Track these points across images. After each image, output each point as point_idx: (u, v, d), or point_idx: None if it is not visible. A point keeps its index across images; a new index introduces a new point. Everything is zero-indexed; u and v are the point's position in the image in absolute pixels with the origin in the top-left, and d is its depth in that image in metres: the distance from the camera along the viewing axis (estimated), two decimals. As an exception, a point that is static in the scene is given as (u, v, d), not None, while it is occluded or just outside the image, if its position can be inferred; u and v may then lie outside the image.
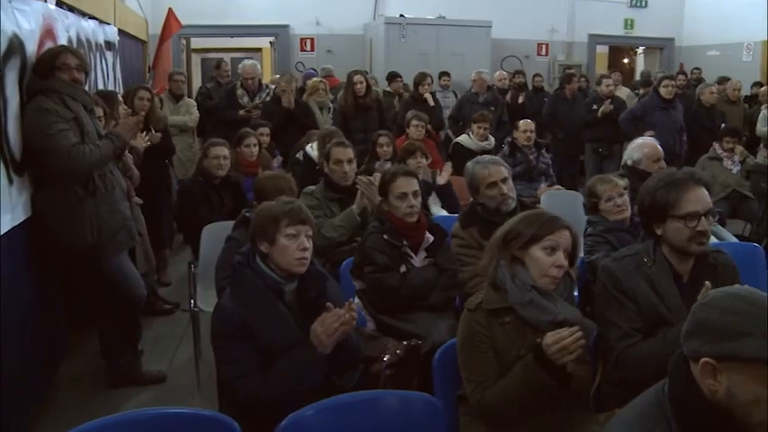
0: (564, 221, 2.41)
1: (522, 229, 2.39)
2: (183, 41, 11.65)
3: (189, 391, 4.04)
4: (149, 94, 5.60)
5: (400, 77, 8.81)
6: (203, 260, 4.22)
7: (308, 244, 2.54)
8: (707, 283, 2.24)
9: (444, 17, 11.10)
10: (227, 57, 11.54)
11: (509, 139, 6.33)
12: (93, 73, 5.23)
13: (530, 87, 10.04)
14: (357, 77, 6.86)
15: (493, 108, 7.99)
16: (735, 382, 1.47)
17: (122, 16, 7.45)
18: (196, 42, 13.17)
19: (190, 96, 7.71)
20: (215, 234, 4.14)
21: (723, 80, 9.58)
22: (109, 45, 6.32)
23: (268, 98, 7.32)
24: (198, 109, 7.39)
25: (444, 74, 9.52)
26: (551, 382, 2.19)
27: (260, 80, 7.62)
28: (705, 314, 1.52)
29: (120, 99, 5.09)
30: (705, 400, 1.51)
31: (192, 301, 4.12)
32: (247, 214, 3.60)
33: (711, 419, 1.50)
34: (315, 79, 8.06)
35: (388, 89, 8.82)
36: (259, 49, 14.66)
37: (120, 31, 7.16)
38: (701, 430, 1.52)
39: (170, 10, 8.96)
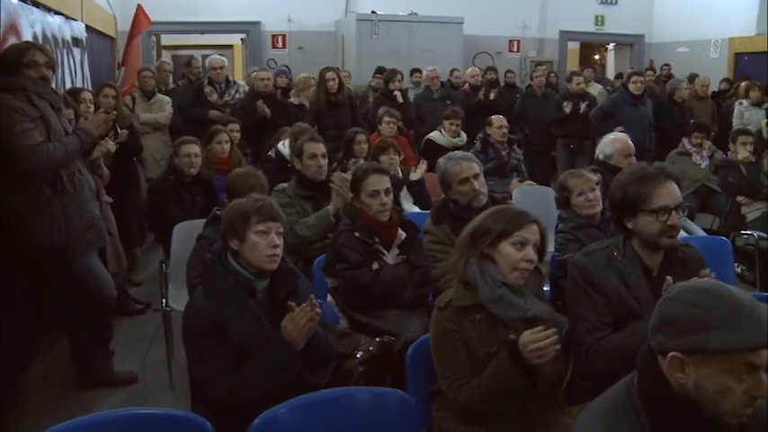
0: (531, 216, 2.42)
1: (491, 225, 2.40)
2: (154, 38, 11.54)
3: (161, 392, 4.00)
4: (114, 92, 5.54)
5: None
6: (175, 259, 4.19)
7: (279, 241, 2.53)
8: (668, 278, 2.27)
9: (416, 13, 11.11)
10: (198, 54, 11.46)
11: (481, 135, 6.35)
12: (60, 70, 5.16)
13: (502, 84, 10.08)
14: (329, 74, 6.83)
15: (449, 102, 8.01)
16: (702, 374, 1.49)
17: (90, 12, 7.36)
18: (166, 39, 13.05)
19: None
20: (186, 232, 4.11)
21: (693, 77, 9.70)
22: (76, 41, 6.24)
23: (237, 95, 7.30)
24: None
25: (416, 70, 9.53)
26: (525, 378, 2.21)
27: (228, 76, 7.57)
28: (671, 309, 1.54)
29: (88, 97, 5.02)
30: (673, 392, 1.53)
31: (164, 301, 4.08)
32: (218, 212, 3.57)
33: (680, 411, 1.52)
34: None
35: (372, 83, 8.82)
36: (230, 46, 14.57)
37: (88, 28, 7.07)
38: (669, 422, 1.53)
39: (139, 6, 8.87)
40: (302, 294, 2.55)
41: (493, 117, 6.41)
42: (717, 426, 1.52)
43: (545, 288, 2.79)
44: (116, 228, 4.86)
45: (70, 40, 5.91)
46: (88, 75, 6.72)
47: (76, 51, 6.19)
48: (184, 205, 4.66)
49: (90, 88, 6.00)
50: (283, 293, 2.54)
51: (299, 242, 3.84)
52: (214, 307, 2.40)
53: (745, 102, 8.57)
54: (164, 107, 7.04)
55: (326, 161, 4.23)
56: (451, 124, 6.53)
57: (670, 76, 10.76)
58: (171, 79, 8.16)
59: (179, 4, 10.64)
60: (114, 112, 4.50)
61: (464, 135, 6.63)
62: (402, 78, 8.16)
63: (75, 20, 6.36)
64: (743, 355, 1.45)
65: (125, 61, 8.59)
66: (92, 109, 4.91)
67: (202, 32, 12.40)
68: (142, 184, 6.03)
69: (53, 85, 3.85)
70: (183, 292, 3.70)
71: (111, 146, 4.84)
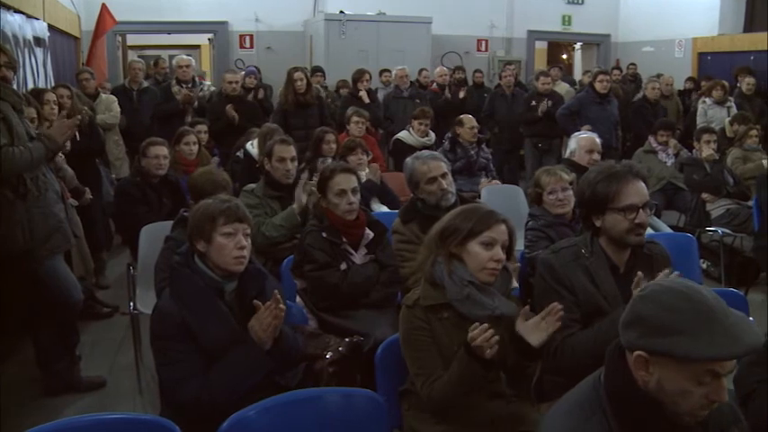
0: (500, 216, 2.44)
1: (459, 224, 2.41)
2: (119, 38, 11.40)
3: (130, 396, 3.95)
4: (69, 92, 5.46)
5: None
6: (142, 261, 4.14)
7: (246, 242, 2.51)
8: (639, 273, 2.30)
9: (384, 13, 11.12)
10: (164, 54, 11.36)
11: (449, 135, 6.37)
12: (21, 70, 5.08)
13: (470, 83, 10.13)
14: (297, 74, 6.81)
15: (418, 102, 8.03)
16: (665, 375, 1.50)
17: (52, 11, 7.25)
18: (133, 39, 12.91)
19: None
20: (154, 234, 4.07)
21: (658, 76, 9.83)
22: (38, 41, 6.14)
23: (201, 93, 7.25)
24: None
25: (385, 70, 9.54)
26: (484, 374, 2.23)
27: (194, 75, 7.51)
28: (644, 307, 1.54)
29: (52, 98, 4.95)
30: (638, 389, 1.55)
31: (132, 304, 4.03)
32: (186, 214, 3.55)
33: (644, 408, 1.54)
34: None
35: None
36: (198, 46, 14.45)
37: (51, 27, 6.96)
38: (634, 418, 1.55)
39: (104, 6, 8.77)
40: (270, 295, 2.53)
41: (463, 117, 6.43)
42: (677, 424, 1.54)
43: (514, 286, 2.81)
44: (82, 230, 4.79)
45: (32, 40, 5.82)
46: (51, 75, 6.62)
47: (39, 51, 6.10)
48: (151, 207, 4.61)
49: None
50: (252, 295, 2.51)
51: (268, 243, 3.83)
52: (182, 309, 2.38)
53: (708, 100, 8.71)
54: (110, 107, 6.95)
55: (295, 164, 4.24)
56: (420, 124, 6.55)
57: (636, 76, 10.92)
58: (142, 78, 8.03)
59: (145, 3, 10.53)
60: (79, 117, 4.43)
61: (433, 135, 6.65)
62: (370, 78, 8.16)
63: (36, 19, 6.26)
64: (707, 364, 1.46)
65: (90, 61, 8.48)
66: (56, 110, 4.84)
67: (169, 32, 12.28)
68: (106, 184, 5.94)
69: (14, 86, 3.78)
70: (151, 294, 3.65)
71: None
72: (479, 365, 2.21)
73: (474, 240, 2.37)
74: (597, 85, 7.53)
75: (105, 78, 8.89)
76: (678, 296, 1.51)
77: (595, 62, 13.35)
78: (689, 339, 1.44)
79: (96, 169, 5.85)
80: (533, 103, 8.06)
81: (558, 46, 15.98)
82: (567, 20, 13.29)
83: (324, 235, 3.26)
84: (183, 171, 5.20)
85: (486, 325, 2.19)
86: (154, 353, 2.45)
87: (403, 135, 6.64)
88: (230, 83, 7.07)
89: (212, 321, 2.40)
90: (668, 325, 1.48)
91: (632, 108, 8.79)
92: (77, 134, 5.19)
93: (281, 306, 2.40)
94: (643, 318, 1.53)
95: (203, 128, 6.21)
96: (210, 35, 12.09)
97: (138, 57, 11.29)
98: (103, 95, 7.05)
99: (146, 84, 7.84)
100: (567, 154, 4.77)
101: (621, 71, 11.07)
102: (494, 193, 5.48)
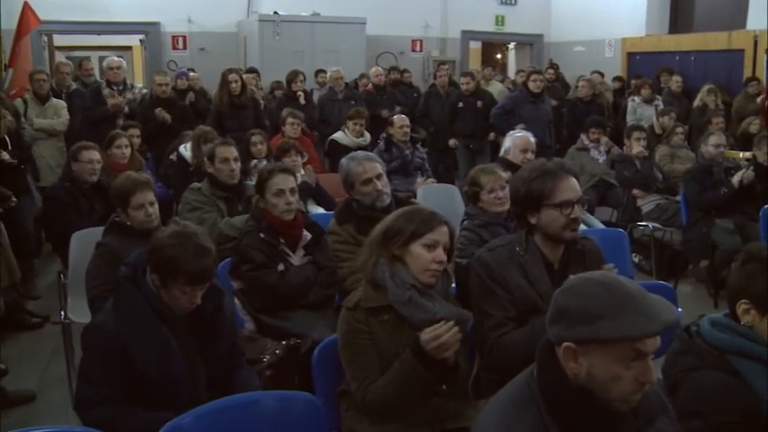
0: (442, 217, 2.46)
1: (402, 226, 2.41)
2: (45, 38, 11.04)
3: (62, 410, 3.82)
4: None
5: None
6: (73, 269, 4.03)
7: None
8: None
9: (319, 14, 11.05)
10: (94, 55, 11.07)
11: (384, 135, 6.38)
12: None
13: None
14: (232, 76, 6.73)
15: (353, 102, 8.03)
16: (594, 362, 1.55)
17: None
18: (60, 40, 12.53)
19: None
20: (84, 241, 3.97)
21: (593, 73, 10.09)
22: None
23: (132, 96, 7.10)
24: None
25: (320, 71, 9.50)
26: (430, 376, 2.25)
27: (125, 78, 7.35)
28: (564, 300, 1.60)
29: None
30: (569, 382, 1.58)
31: (63, 313, 3.93)
32: (117, 219, 3.48)
33: (575, 400, 1.57)
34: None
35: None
36: (129, 48, 14.12)
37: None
38: (566, 411, 1.58)
39: (26, 4, 8.44)
40: (228, 312, 2.50)
41: (395, 117, 6.45)
42: (609, 412, 1.57)
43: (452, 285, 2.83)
44: (7, 238, 4.63)
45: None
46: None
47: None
48: (82, 213, 4.50)
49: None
50: (209, 311, 2.45)
51: (221, 240, 3.79)
52: (121, 331, 2.29)
53: (636, 99, 8.97)
54: (59, 112, 6.73)
55: (238, 164, 4.25)
56: (355, 124, 6.54)
57: (559, 76, 11.13)
58: (71, 81, 7.80)
59: (72, 2, 10.20)
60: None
61: (368, 135, 6.65)
62: (304, 79, 8.12)
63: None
64: (631, 344, 1.51)
65: (13, 62, 8.16)
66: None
67: (98, 33, 11.96)
68: (34, 192, 5.74)
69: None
70: (82, 302, 3.55)
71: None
72: (424, 369, 2.23)
73: (417, 242, 2.38)
74: (531, 85, 7.64)
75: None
76: (596, 284, 1.57)
77: (528, 62, 13.56)
78: (611, 322, 1.50)
79: (24, 175, 5.65)
80: (460, 104, 8.09)
81: (492, 46, 16.17)
82: (500, 20, 13.45)
83: (261, 236, 3.24)
84: (115, 176, 5.05)
85: (451, 323, 2.22)
86: (80, 363, 2.37)
87: (338, 136, 6.62)
88: (160, 85, 6.94)
89: (151, 350, 2.30)
90: (590, 312, 1.53)
91: (567, 106, 8.97)
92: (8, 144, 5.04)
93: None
94: (566, 310, 1.58)
95: (135, 132, 6.09)
96: (142, 36, 11.83)
97: (67, 58, 10.99)
98: (54, 99, 6.82)
99: (74, 86, 7.63)
100: (501, 153, 4.83)
101: (555, 70, 11.26)
102: (430, 193, 5.52)
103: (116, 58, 7.30)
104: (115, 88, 7.04)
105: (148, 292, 2.35)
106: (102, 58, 10.75)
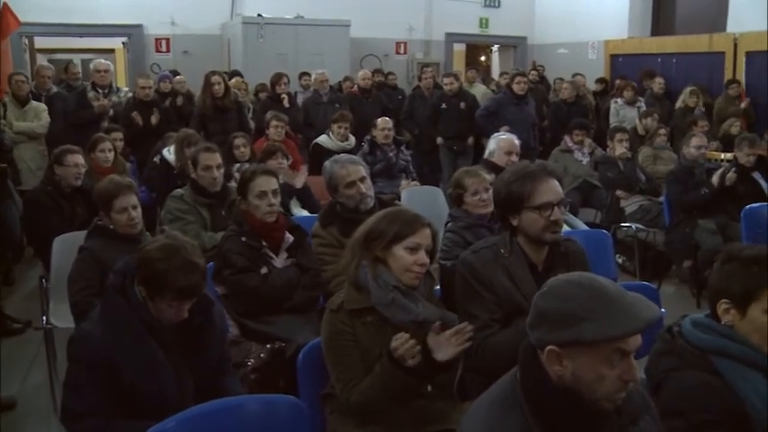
0: (425, 219, 2.46)
1: (385, 228, 2.41)
2: (26, 40, 10.96)
3: (43, 417, 3.78)
4: None
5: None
6: (55, 273, 3.99)
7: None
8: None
9: (303, 17, 11.06)
10: (76, 57, 10.98)
11: (368, 137, 6.38)
12: None
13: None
14: (215, 78, 6.69)
15: (338, 105, 8.03)
16: (578, 364, 1.55)
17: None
18: (41, 42, 12.44)
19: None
20: (67, 245, 3.92)
21: (575, 75, 10.14)
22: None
23: (117, 99, 7.06)
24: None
25: (305, 74, 9.49)
26: (408, 380, 2.26)
27: (111, 81, 7.30)
28: (545, 304, 1.60)
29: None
30: (553, 384, 1.59)
31: (45, 318, 3.89)
32: (100, 223, 3.46)
33: (560, 402, 1.58)
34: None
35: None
36: (112, 50, 14.03)
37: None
38: (551, 413, 1.59)
39: (5, 5, 8.35)
40: (218, 322, 2.48)
41: (378, 119, 6.46)
42: (594, 411, 1.58)
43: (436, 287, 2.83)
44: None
45: None
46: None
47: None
48: (64, 217, 4.46)
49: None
50: (198, 323, 2.41)
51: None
52: (107, 341, 2.25)
53: (619, 100, 9.04)
54: (39, 115, 6.67)
55: (221, 171, 4.22)
56: (340, 127, 6.52)
57: (542, 78, 11.19)
58: (51, 84, 7.73)
59: (53, 4, 10.15)
60: None
61: (353, 138, 6.64)
62: (288, 81, 8.11)
63: None
64: (614, 343, 1.52)
65: (-9, 65, 8.08)
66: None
67: (80, 35, 11.90)
68: (14, 195, 5.68)
69: None
70: (65, 307, 3.51)
71: None
72: (402, 373, 2.24)
73: (399, 244, 2.38)
74: (515, 87, 7.67)
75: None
76: (575, 286, 1.58)
77: (512, 64, 13.61)
78: (593, 324, 1.51)
79: (5, 178, 5.59)
80: (443, 105, 8.09)
81: (475, 48, 16.22)
82: (484, 23, 13.52)
83: (243, 239, 3.23)
84: (99, 179, 5.01)
85: (407, 335, 2.23)
86: (66, 373, 2.33)
87: (322, 139, 6.60)
88: (143, 88, 6.90)
89: (139, 362, 2.26)
90: (571, 314, 1.54)
91: (550, 108, 9.01)
92: None
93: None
94: (547, 313, 1.58)
95: (119, 135, 6.05)
96: (125, 39, 11.77)
97: (48, 61, 10.92)
98: (33, 102, 6.75)
99: (55, 89, 7.57)
100: (486, 155, 4.85)
101: (538, 72, 11.32)
102: (414, 195, 5.52)
103: (103, 61, 7.26)
104: (100, 91, 7.00)
105: (136, 303, 2.31)
106: (85, 61, 10.66)
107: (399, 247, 2.38)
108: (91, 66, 7.27)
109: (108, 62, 7.35)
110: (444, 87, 8.25)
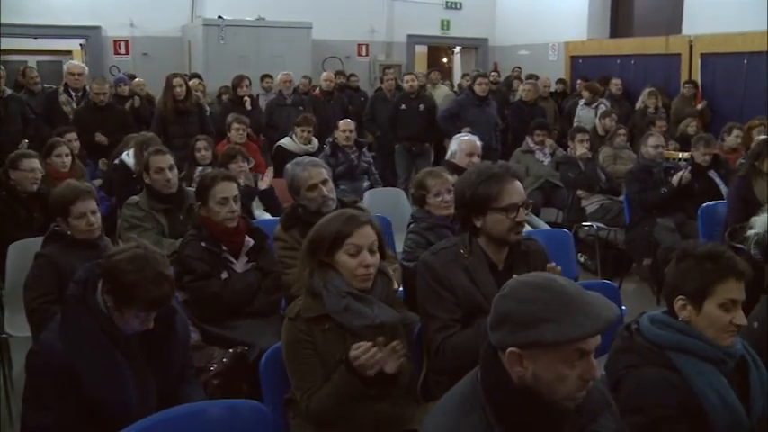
0: (362, 218, 2.44)
1: (323, 233, 2.40)
2: (-26, 41, 10.71)
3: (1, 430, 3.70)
4: None
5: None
6: (11, 281, 3.91)
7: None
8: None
9: (264, 18, 10.99)
10: (31, 60, 10.77)
11: (330, 140, 6.37)
12: None
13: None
14: (176, 81, 6.62)
15: (301, 108, 8.00)
16: (539, 365, 1.56)
17: None
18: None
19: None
20: (23, 251, 3.85)
21: (531, 77, 10.22)
22: None
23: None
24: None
25: (266, 76, 9.43)
26: (365, 389, 2.25)
27: (85, 85, 7.14)
28: (505, 305, 1.61)
29: None
30: (514, 384, 1.60)
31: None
32: (57, 228, 3.39)
33: (520, 402, 1.59)
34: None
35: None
36: (69, 52, 13.78)
37: None
38: (512, 413, 1.60)
39: (-47, 4, 8.16)
40: (180, 331, 2.45)
41: (340, 121, 6.45)
42: (555, 411, 1.59)
43: (398, 288, 2.83)
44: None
45: None
46: None
47: None
48: (20, 223, 4.36)
49: None
50: (161, 331, 2.37)
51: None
52: (68, 353, 2.19)
53: (580, 102, 9.16)
54: None
55: (175, 173, 4.16)
56: (303, 131, 6.51)
57: (521, 79, 11.27)
58: (4, 86, 7.55)
59: (4, 3, 9.89)
60: None
61: (316, 142, 6.63)
62: (250, 84, 8.06)
63: None
64: (574, 344, 1.53)
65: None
66: None
67: (35, 37, 11.66)
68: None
69: None
70: (21, 316, 3.45)
71: None
72: (360, 382, 2.24)
73: (340, 250, 2.37)
74: (477, 88, 7.70)
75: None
76: (535, 287, 1.59)
77: (474, 65, 13.70)
78: (553, 325, 1.52)
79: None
80: (403, 106, 8.06)
81: (437, 50, 16.31)
82: (445, 24, 13.58)
83: (203, 244, 3.21)
84: (56, 185, 4.91)
85: (367, 344, 2.21)
86: (25, 389, 2.25)
87: (285, 142, 6.58)
88: (97, 93, 6.75)
89: (101, 374, 2.21)
90: (532, 316, 1.54)
91: (510, 109, 9.07)
92: None
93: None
94: (507, 315, 1.59)
95: (73, 136, 5.90)
96: (82, 40, 11.57)
97: (2, 63, 10.67)
98: None
99: (9, 91, 7.41)
100: (447, 156, 4.87)
101: (499, 74, 11.40)
102: (376, 197, 5.52)
103: (78, 63, 7.12)
104: (74, 95, 6.84)
105: (98, 313, 2.25)
106: (40, 63, 10.47)
107: (341, 253, 2.37)
108: (65, 67, 7.09)
109: (83, 65, 7.18)
110: (404, 85, 8.26)
